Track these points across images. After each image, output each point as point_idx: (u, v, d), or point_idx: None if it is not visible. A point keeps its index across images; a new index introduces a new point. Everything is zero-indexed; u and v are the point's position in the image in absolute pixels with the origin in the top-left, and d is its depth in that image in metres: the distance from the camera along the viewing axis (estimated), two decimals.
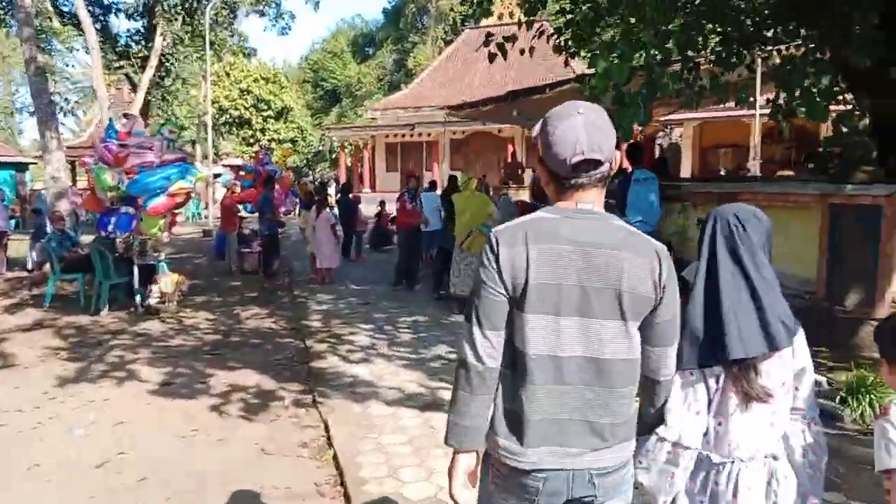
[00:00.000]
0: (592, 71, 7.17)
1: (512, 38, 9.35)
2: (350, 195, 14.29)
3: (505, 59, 9.42)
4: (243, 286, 12.00)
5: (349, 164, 40.08)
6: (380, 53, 58.01)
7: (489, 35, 9.56)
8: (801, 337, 2.13)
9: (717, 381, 2.06)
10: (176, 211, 10.69)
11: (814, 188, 6.09)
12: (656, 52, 6.98)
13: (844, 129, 9.04)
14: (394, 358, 6.98)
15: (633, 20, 8.44)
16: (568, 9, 11.23)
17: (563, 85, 18.93)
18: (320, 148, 52.83)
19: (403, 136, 35.66)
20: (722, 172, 26.68)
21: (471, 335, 1.83)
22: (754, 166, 29.93)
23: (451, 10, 48.01)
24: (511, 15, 36.89)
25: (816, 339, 2.36)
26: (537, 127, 1.89)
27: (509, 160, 22.73)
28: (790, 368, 2.09)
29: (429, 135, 35.03)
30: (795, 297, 5.94)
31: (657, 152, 36.02)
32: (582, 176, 1.82)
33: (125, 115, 11.52)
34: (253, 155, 25.21)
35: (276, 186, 12.83)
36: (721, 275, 2.07)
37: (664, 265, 1.82)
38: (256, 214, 12.79)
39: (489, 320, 1.81)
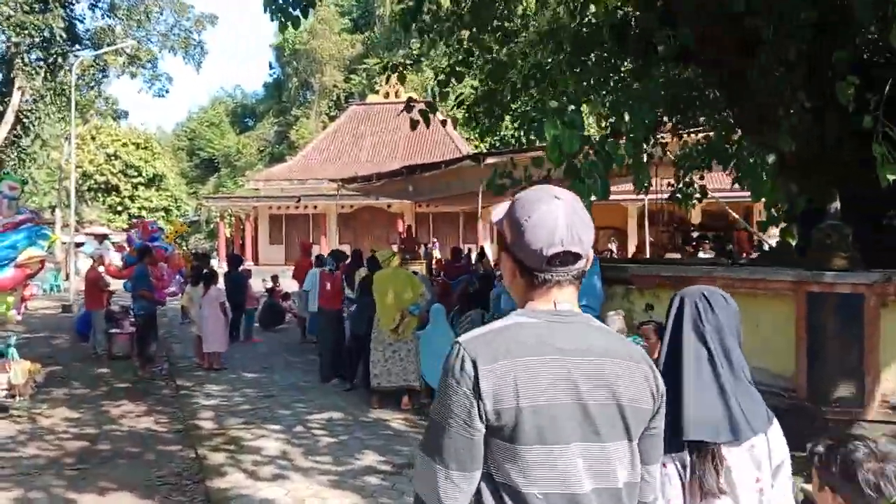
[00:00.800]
0: (475, 150, 6.56)
1: (432, 108, 8.70)
2: (240, 268, 12.81)
3: (427, 126, 8.72)
4: (113, 374, 10.19)
5: (229, 236, 37.98)
6: (260, 125, 56.65)
7: (411, 100, 8.86)
8: (776, 429, 2.01)
9: (686, 471, 1.94)
10: (28, 283, 8.96)
11: (788, 275, 5.60)
12: (610, 123, 6.47)
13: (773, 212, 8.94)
14: (314, 472, 5.71)
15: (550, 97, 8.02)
16: (479, 84, 10.77)
17: (460, 161, 18.72)
18: (195, 218, 50.19)
19: (288, 207, 34.30)
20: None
21: (433, 476, 1.46)
22: (613, 248, 31.01)
23: (335, 86, 47.83)
24: (397, 94, 36.86)
25: (802, 444, 2.11)
26: (502, 210, 1.62)
27: (404, 235, 21.93)
28: (766, 463, 1.96)
29: (315, 207, 33.89)
30: (773, 394, 5.31)
31: None
32: (559, 271, 1.54)
33: None
34: (132, 224, 22.71)
35: (163, 264, 11.32)
36: (685, 357, 1.98)
37: (654, 370, 1.57)
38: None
39: (458, 461, 1.44)
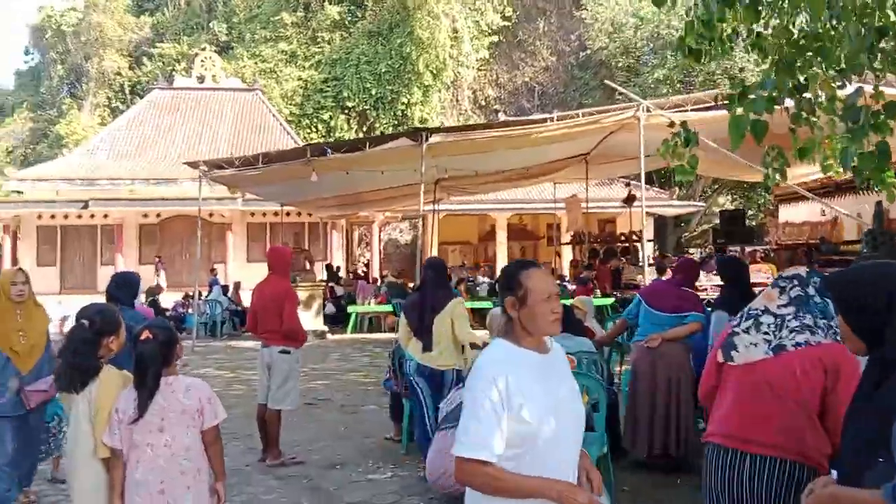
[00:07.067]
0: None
1: None
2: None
3: None
4: None
5: None
6: (10, 121, 43.05)
7: None
8: None
9: None
10: None
11: None
12: None
13: None
14: None
15: None
16: None
17: (396, 139, 12.44)
18: None
19: (67, 216, 24.16)
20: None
21: None
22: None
23: (119, 73, 37.13)
24: (215, 78, 27.64)
25: None
26: None
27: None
28: None
29: (105, 216, 24.17)
30: None
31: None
32: None
33: None
34: None
35: None
36: None
37: None
38: None
39: None
